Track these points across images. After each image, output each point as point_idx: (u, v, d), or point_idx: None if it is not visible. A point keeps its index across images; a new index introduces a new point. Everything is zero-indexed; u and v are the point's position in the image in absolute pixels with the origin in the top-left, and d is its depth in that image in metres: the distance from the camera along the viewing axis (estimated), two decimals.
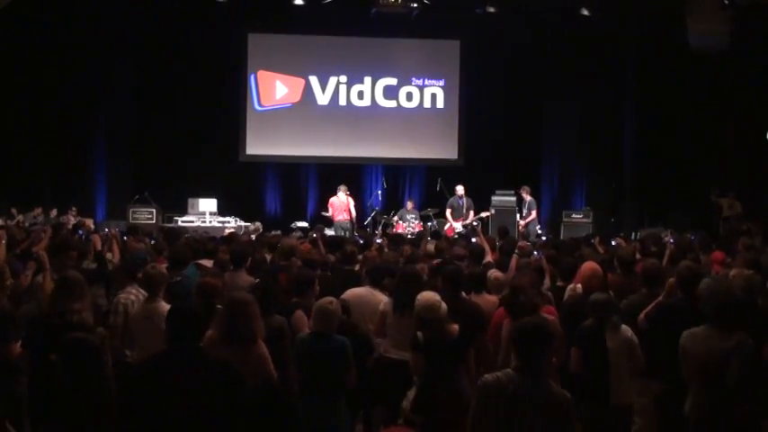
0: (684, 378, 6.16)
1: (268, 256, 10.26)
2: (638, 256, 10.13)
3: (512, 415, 4.68)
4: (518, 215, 19.43)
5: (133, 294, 7.65)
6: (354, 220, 19.16)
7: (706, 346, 5.94)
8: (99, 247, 10.29)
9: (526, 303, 6.95)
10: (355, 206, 19.51)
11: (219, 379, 4.64)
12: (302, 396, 6.48)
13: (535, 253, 10.94)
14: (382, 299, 8.03)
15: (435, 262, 10.09)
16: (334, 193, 19.22)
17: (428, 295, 6.87)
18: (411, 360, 6.79)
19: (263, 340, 6.12)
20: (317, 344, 6.48)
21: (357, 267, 9.53)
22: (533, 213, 19.36)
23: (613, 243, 13.50)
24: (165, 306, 7.15)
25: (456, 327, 6.72)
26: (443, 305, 6.76)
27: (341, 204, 19.14)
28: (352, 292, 8.17)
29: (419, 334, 6.71)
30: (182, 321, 4.78)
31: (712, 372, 5.89)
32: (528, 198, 19.50)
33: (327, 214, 19.13)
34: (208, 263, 9.78)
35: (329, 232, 16.95)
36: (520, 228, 19.16)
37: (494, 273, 8.78)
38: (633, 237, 17.18)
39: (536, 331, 4.85)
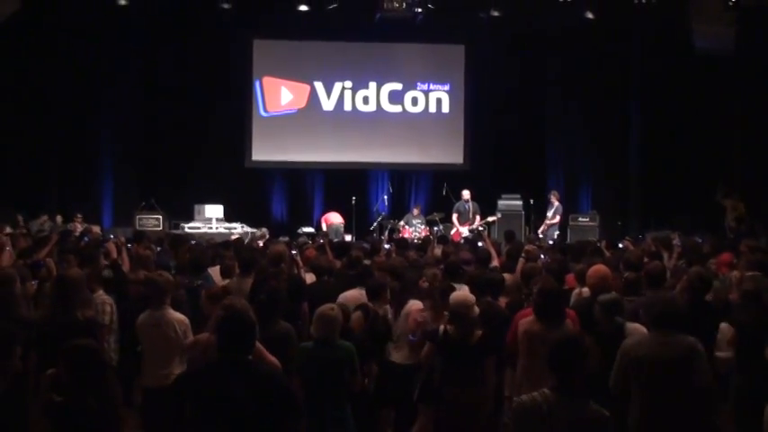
0: (623, 387, 6.11)
1: None
2: (645, 259, 10.12)
3: None
4: (547, 216, 19.69)
5: (107, 297, 7.72)
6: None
7: (657, 351, 5.93)
8: (114, 255, 10.31)
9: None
10: (362, 212, 19.92)
11: (270, 391, 4.59)
12: (307, 404, 6.47)
13: (542, 256, 10.93)
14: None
15: (440, 266, 10.10)
16: (338, 201, 19.72)
17: (464, 294, 6.92)
18: (424, 349, 6.86)
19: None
20: (321, 351, 6.44)
21: None
22: (557, 218, 19.43)
23: (620, 246, 13.49)
24: (174, 314, 7.18)
25: (480, 333, 6.72)
26: (476, 308, 6.79)
27: (335, 216, 20.14)
28: (345, 296, 8.19)
29: (441, 327, 6.79)
30: (233, 331, 4.68)
31: (664, 379, 5.88)
32: (556, 203, 19.63)
33: (315, 231, 19.56)
34: (214, 269, 9.82)
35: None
36: (540, 230, 19.24)
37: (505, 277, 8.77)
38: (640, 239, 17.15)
39: (570, 347, 4.72)
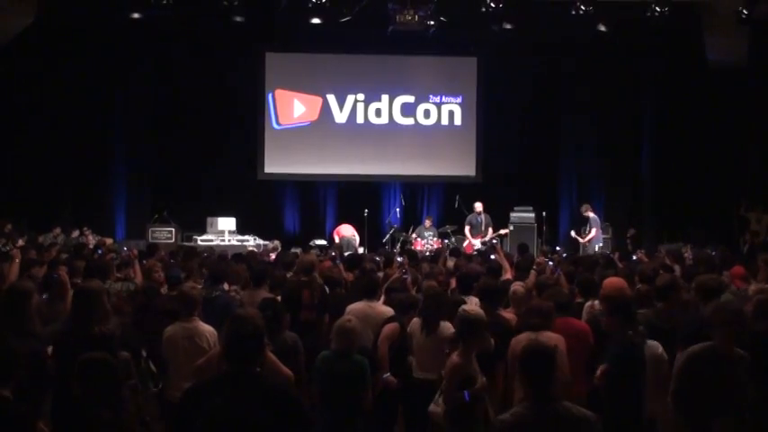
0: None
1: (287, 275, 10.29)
2: (661, 272, 10.10)
3: None
4: (585, 231, 19.43)
5: None
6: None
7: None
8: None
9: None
10: (374, 224, 20.00)
11: (279, 404, 4.57)
12: (320, 412, 6.50)
13: (551, 266, 10.93)
14: (384, 310, 8.10)
15: (452, 278, 10.12)
16: (351, 213, 19.78)
17: (476, 308, 6.93)
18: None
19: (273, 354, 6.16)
20: (338, 362, 6.50)
21: None
22: (594, 231, 19.21)
23: (635, 258, 13.48)
24: (204, 326, 7.20)
25: (493, 341, 6.72)
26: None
27: (348, 228, 20.20)
28: (351, 309, 8.19)
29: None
30: (241, 343, 4.66)
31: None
32: (591, 215, 19.38)
33: (328, 244, 19.53)
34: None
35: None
36: (584, 240, 19.17)
37: (515, 286, 8.75)
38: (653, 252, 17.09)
39: (539, 355, 4.73)
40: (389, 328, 7.70)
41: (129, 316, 7.85)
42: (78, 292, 6.88)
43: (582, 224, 19.66)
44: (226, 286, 9.66)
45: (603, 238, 19.96)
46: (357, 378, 6.48)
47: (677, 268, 11.37)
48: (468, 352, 6.44)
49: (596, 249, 18.48)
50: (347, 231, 20.10)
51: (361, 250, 19.03)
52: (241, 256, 13.38)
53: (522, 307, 8.16)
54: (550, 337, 6.75)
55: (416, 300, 8.24)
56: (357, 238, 20.05)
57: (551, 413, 4.52)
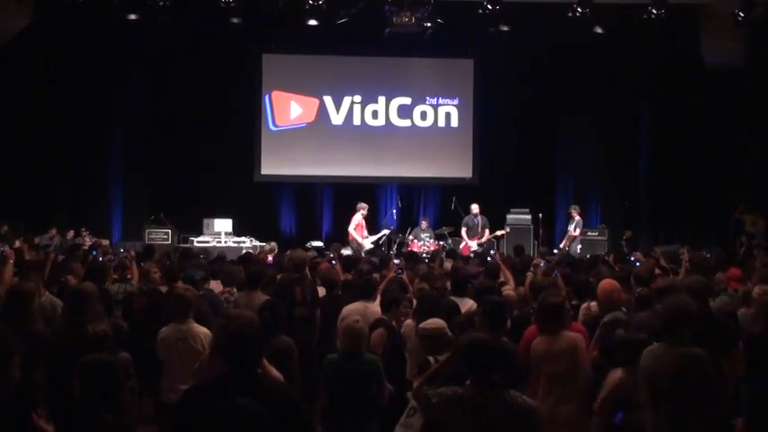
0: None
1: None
2: (657, 270, 10.13)
3: (474, 429, 4.77)
4: (569, 231, 19.81)
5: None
6: (360, 239, 19.20)
7: (667, 364, 5.68)
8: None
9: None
10: (370, 226, 19.84)
11: (280, 406, 4.55)
12: (333, 418, 6.47)
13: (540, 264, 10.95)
14: (379, 311, 8.11)
15: (448, 281, 10.12)
16: (347, 216, 19.68)
17: (437, 321, 6.87)
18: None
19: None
20: (348, 364, 6.45)
21: None
22: (578, 232, 19.42)
23: (632, 258, 13.51)
24: (199, 327, 7.20)
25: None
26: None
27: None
28: (348, 309, 8.19)
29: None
30: (241, 344, 4.65)
31: (674, 391, 5.65)
32: (577, 217, 19.62)
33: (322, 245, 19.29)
34: (216, 284, 9.86)
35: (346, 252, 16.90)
36: (563, 244, 19.36)
37: (507, 291, 8.74)
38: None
39: (479, 346, 5.05)
40: (377, 335, 7.59)
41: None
42: (70, 293, 6.89)
43: (568, 223, 19.95)
44: (220, 286, 9.68)
45: (600, 240, 20.04)
46: (371, 377, 6.44)
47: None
48: (635, 372, 5.99)
49: (577, 251, 18.72)
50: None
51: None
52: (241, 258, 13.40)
53: (518, 311, 8.19)
54: (570, 337, 6.74)
55: (399, 296, 8.24)
56: (356, 239, 19.55)
57: (496, 398, 4.85)
